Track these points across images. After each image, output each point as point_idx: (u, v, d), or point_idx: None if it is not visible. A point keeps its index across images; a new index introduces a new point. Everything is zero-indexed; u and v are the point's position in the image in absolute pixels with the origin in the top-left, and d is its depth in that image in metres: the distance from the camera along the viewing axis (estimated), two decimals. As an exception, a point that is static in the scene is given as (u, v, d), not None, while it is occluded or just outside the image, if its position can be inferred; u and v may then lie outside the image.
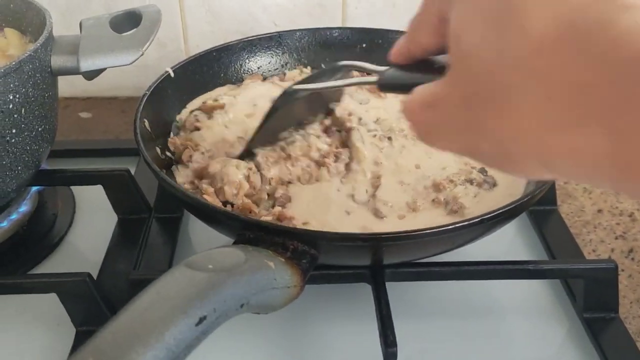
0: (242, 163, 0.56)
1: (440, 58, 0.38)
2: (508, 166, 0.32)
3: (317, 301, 0.56)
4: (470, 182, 0.57)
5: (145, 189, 0.66)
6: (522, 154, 0.30)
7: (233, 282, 0.37)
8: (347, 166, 0.58)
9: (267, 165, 0.56)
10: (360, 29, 0.75)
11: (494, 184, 0.58)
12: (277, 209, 0.53)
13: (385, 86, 0.44)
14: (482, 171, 0.58)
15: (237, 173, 0.54)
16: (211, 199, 0.54)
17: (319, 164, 0.58)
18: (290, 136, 0.60)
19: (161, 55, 0.88)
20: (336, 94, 0.65)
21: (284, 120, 0.60)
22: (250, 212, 0.53)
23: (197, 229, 0.66)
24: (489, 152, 0.32)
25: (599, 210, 0.70)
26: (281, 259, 0.43)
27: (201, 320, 0.34)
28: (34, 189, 0.65)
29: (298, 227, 0.51)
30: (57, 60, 0.57)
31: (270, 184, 0.56)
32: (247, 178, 0.55)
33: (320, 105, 0.64)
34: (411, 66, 0.40)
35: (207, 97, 0.69)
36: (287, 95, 0.56)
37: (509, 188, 0.56)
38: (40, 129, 0.57)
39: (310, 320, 0.55)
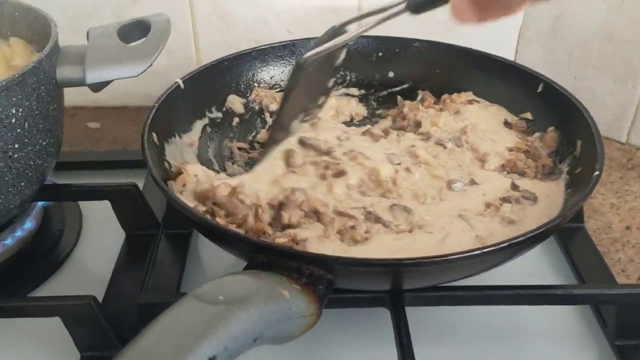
0: (248, 199, 0.53)
1: None
2: None
3: (332, 324, 0.53)
4: (508, 200, 0.54)
5: (154, 203, 0.64)
6: None
7: (246, 317, 0.35)
8: None
9: (292, 211, 0.53)
10: (377, 37, 0.72)
11: (535, 198, 0.56)
12: (291, 230, 0.50)
13: (418, 4, 0.43)
14: (514, 187, 0.56)
15: (244, 209, 0.52)
16: (222, 221, 0.51)
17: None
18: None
19: (171, 63, 0.85)
20: (338, 57, 0.60)
21: (301, 97, 0.58)
22: (263, 234, 0.50)
23: (207, 245, 0.63)
24: None
25: (627, 227, 0.67)
26: (296, 287, 0.41)
27: (210, 360, 0.32)
28: (40, 204, 0.63)
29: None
30: (63, 72, 0.55)
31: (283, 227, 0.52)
32: (255, 214, 0.52)
33: (328, 71, 0.60)
34: None
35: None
36: (301, 68, 0.53)
37: (550, 203, 0.55)
38: (44, 143, 0.55)
39: (324, 345, 0.53)
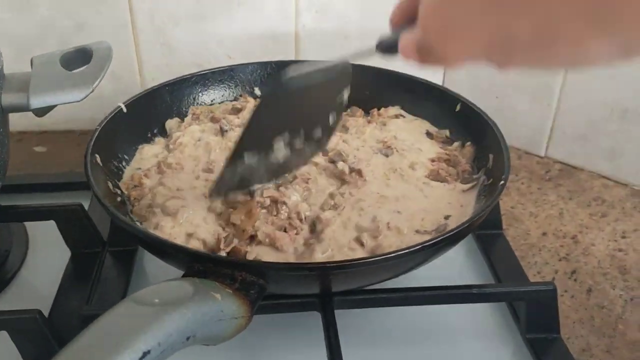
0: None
1: None
2: (549, 49, 0.29)
3: (268, 329, 0.57)
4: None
5: (100, 223, 0.67)
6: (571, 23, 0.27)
7: (179, 316, 0.38)
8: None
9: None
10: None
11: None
12: (236, 241, 0.53)
13: (384, 47, 0.47)
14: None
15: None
16: None
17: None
18: None
19: (117, 87, 0.88)
20: (338, 106, 0.58)
21: (278, 120, 0.52)
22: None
23: (152, 261, 0.66)
24: (526, 32, 0.29)
25: (544, 234, 0.73)
26: (228, 291, 0.44)
27: (145, 354, 0.35)
28: (-15, 225, 0.65)
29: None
30: (7, 98, 0.58)
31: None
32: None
33: (322, 111, 0.57)
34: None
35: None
36: (279, 86, 0.50)
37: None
38: (-11, 166, 0.57)
39: (260, 349, 0.56)
